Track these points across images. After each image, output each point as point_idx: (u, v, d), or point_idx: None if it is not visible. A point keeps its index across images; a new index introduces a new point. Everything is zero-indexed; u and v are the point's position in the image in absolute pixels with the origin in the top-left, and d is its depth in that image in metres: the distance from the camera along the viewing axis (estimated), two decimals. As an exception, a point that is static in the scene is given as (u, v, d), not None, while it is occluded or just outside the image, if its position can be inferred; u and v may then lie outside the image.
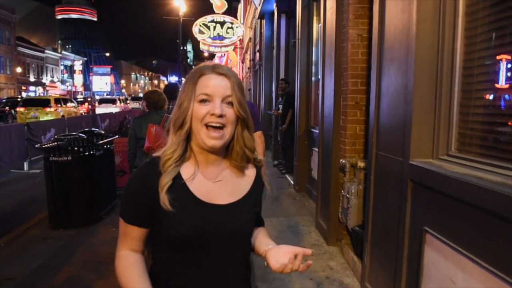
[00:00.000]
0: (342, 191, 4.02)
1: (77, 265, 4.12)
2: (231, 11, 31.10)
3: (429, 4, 2.44)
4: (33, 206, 6.18)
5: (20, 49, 50.38)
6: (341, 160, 4.07)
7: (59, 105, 22.27)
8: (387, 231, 2.88)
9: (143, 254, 1.30)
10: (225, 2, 23.35)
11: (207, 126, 1.18)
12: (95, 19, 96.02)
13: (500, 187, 1.75)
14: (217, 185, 1.26)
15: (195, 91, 1.19)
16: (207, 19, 23.17)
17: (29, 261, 4.22)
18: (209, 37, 23.13)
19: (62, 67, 65.08)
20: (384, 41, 2.96)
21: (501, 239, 1.73)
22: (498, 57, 2.13)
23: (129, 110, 26.39)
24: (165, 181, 1.17)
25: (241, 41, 25.82)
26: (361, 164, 3.81)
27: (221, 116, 1.17)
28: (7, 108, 24.44)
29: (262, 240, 1.34)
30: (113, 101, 32.33)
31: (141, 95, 62.37)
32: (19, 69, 49.03)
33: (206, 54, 36.56)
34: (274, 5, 10.29)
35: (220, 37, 23.18)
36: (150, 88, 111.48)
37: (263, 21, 12.96)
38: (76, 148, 5.18)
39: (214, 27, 23.02)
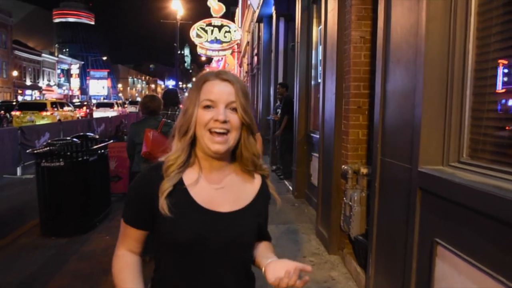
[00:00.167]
0: (344, 198, 3.87)
1: (68, 276, 3.95)
2: (229, 15, 31.06)
3: (439, 2, 2.32)
4: (24, 213, 6.00)
5: (17, 52, 50.10)
6: (343, 166, 3.93)
7: (56, 109, 22.07)
8: (394, 241, 2.73)
9: (145, 261, 1.32)
10: (223, 6, 23.29)
11: (210, 131, 1.18)
12: (92, 23, 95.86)
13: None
14: (220, 192, 1.25)
15: (199, 97, 1.20)
16: (205, 23, 23.09)
17: (18, 271, 4.04)
18: (207, 41, 23.04)
19: (59, 71, 64.80)
20: (390, 42, 2.83)
21: (524, 255, 1.60)
22: (515, 58, 2.01)
23: (126, 114, 26.22)
24: (166, 186, 1.18)
25: (238, 45, 25.75)
26: (364, 170, 3.68)
27: (225, 122, 1.17)
28: (2, 112, 24.21)
29: (264, 254, 1.31)
30: (110, 105, 32.35)
31: (138, 99, 62.21)
32: (15, 73, 48.73)
33: (203, 58, 36.47)
34: (273, 8, 10.19)
35: (218, 41, 23.09)
36: (147, 92, 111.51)
37: (261, 25, 12.86)
38: (68, 153, 5.02)
39: (212, 31, 22.94)
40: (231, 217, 1.23)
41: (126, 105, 38.49)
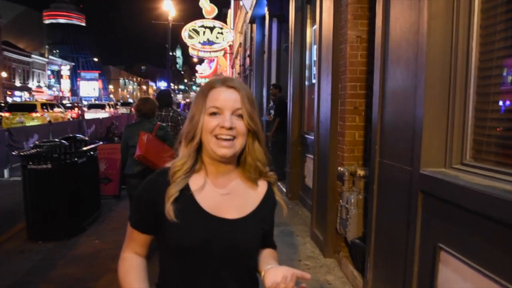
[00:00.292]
0: (341, 200, 3.79)
1: (55, 282, 3.81)
2: (221, 16, 30.98)
3: (441, 0, 2.24)
4: (11, 216, 5.81)
5: (6, 53, 49.49)
6: (339, 168, 3.84)
7: (46, 110, 21.84)
8: (394, 245, 2.65)
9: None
10: (215, 7, 23.21)
11: (217, 137, 1.19)
12: (83, 24, 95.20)
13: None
14: (226, 198, 1.25)
15: (205, 104, 1.21)
16: (197, 24, 22.97)
17: (3, 277, 3.90)
18: (199, 42, 22.93)
19: (49, 72, 64.14)
20: (389, 40, 2.75)
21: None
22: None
23: (118, 115, 26.03)
24: (172, 192, 1.19)
25: (231, 46, 25.67)
26: (360, 172, 3.60)
27: (231, 128, 1.18)
28: (-10, 113, 23.85)
29: (266, 260, 1.30)
30: (102, 107, 32.30)
31: (130, 100, 61.76)
32: (4, 74, 48.11)
33: (195, 59, 36.30)
34: (266, 8, 10.12)
35: (210, 42, 22.99)
36: (138, 94, 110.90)
37: (254, 26, 12.78)
38: (56, 156, 4.87)
39: (204, 32, 22.83)
40: (236, 223, 1.23)
41: (118, 107, 38.31)
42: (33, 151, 4.86)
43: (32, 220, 4.89)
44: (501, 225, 1.69)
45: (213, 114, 1.20)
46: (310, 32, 6.45)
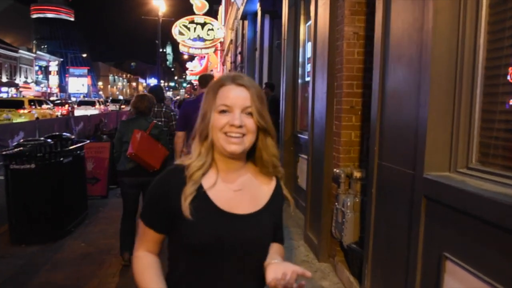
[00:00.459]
0: (336, 203, 3.66)
1: (38, 288, 3.64)
2: (212, 12, 30.69)
3: (447, -7, 2.11)
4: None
5: (-8, 48, 48.61)
6: (334, 169, 3.71)
7: (34, 107, 21.46)
8: (394, 253, 2.53)
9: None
10: (206, 3, 22.94)
11: (226, 134, 1.20)
12: (72, 19, 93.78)
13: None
14: (238, 194, 1.26)
15: (215, 102, 1.22)
16: (187, 20, 22.72)
17: (-18, 284, 3.71)
18: (189, 38, 22.70)
19: (36, 68, 63.01)
20: (390, 37, 2.62)
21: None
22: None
23: (107, 112, 25.73)
24: (190, 191, 1.19)
25: (222, 43, 25.44)
26: (357, 174, 3.47)
27: (240, 126, 1.19)
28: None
29: (271, 255, 1.29)
30: (92, 103, 32.04)
31: (121, 97, 61.19)
32: (-10, 69, 47.26)
33: (186, 56, 35.95)
34: (258, 5, 9.96)
35: (201, 39, 22.77)
36: (128, 91, 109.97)
37: (246, 22, 12.62)
38: (40, 155, 4.67)
39: (195, 29, 22.61)
40: (249, 218, 1.25)
41: (108, 103, 37.95)
42: (15, 150, 4.66)
43: (15, 222, 4.69)
44: (513, 235, 1.57)
45: (223, 112, 1.21)
46: (303, 28, 6.31)
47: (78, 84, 76.77)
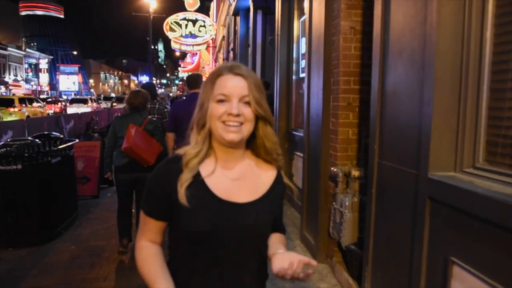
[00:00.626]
0: (334, 203, 3.56)
1: (25, 294, 3.50)
2: (203, 9, 30.47)
3: (452, -16, 2.01)
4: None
5: (-20, 46, 47.85)
6: (332, 168, 3.61)
7: (24, 105, 21.19)
8: (396, 255, 2.43)
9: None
10: (197, -1, 22.73)
11: (224, 123, 1.21)
12: (61, 16, 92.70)
13: None
14: (236, 182, 1.27)
15: (213, 91, 1.23)
16: (179, 17, 22.54)
17: (-33, 290, 3.57)
18: (181, 35, 22.52)
19: (26, 66, 62.21)
20: (390, 31, 2.52)
21: None
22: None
23: (99, 110, 25.49)
24: (186, 177, 1.20)
25: (213, 40, 25.25)
26: (355, 173, 3.37)
27: (238, 115, 1.20)
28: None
29: (274, 245, 1.30)
30: (84, 101, 31.89)
31: (113, 95, 60.73)
32: (-21, 67, 46.52)
33: (178, 53, 35.65)
34: (250, 0, 9.81)
35: (192, 36, 22.60)
36: (120, 88, 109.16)
37: (238, 18, 12.46)
38: (27, 155, 4.51)
39: (186, 25, 22.43)
40: (247, 207, 1.25)
41: (100, 101, 37.67)
42: (1, 150, 4.50)
43: (1, 225, 4.53)
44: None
45: (221, 101, 1.22)
46: (297, 24, 6.20)
47: (69, 82, 76.02)
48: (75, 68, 78.11)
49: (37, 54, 67.69)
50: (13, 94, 33.98)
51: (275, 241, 1.34)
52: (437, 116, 2.03)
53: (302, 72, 5.77)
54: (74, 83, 76.43)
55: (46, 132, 7.38)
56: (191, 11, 22.80)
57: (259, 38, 9.86)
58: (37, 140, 5.24)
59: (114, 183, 4.48)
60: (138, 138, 3.91)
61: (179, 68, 40.47)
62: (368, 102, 2.90)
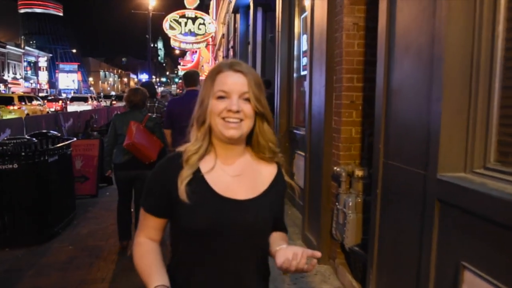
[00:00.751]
0: (337, 203, 3.48)
1: (21, 296, 3.43)
2: (203, 7, 30.33)
3: (462, -24, 1.92)
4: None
5: (-21, 44, 47.67)
6: (335, 168, 3.53)
7: (24, 103, 21.08)
8: (402, 259, 2.36)
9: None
10: (197, -4, 22.59)
11: (224, 119, 1.21)
12: (60, 14, 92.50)
13: None
14: (236, 179, 1.27)
15: (213, 88, 1.24)
16: (178, 15, 22.37)
17: (-39, 292, 3.49)
18: (180, 33, 22.37)
19: (25, 64, 62.04)
20: (396, 26, 2.43)
21: None
22: None
23: (99, 108, 25.41)
24: (186, 174, 1.21)
25: (213, 38, 25.14)
26: (359, 172, 3.29)
27: (238, 112, 1.20)
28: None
29: (277, 242, 1.29)
30: (85, 99, 31.92)
31: (113, 93, 60.67)
32: (-22, 65, 46.35)
33: (177, 51, 35.53)
34: (250, -3, 9.72)
35: (192, 34, 22.45)
36: (119, 86, 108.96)
37: (238, 16, 12.36)
38: (23, 154, 4.43)
39: (186, 23, 22.27)
40: (247, 204, 1.24)
41: (101, 99, 37.70)
42: (-3, 149, 4.42)
43: (-3, 225, 4.46)
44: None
45: (221, 97, 1.22)
46: (298, 21, 6.11)
47: (68, 80, 75.90)
48: (74, 66, 77.98)
49: (36, 52, 67.51)
50: (13, 92, 33.88)
51: (278, 239, 1.34)
52: (446, 114, 1.95)
53: (304, 69, 5.68)
54: (73, 81, 76.31)
55: (43, 131, 7.30)
56: (190, 8, 22.63)
57: (259, 36, 9.78)
58: (34, 138, 5.15)
59: (114, 180, 4.49)
60: (140, 135, 3.93)
61: (178, 66, 40.35)
62: (372, 100, 2.82)
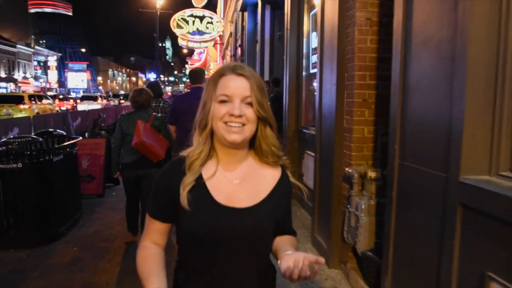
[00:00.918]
0: (348, 206, 3.35)
1: (24, 300, 3.35)
2: (211, 5, 30.26)
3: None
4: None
5: (-10, 43, 48.12)
6: (346, 169, 3.40)
7: (34, 102, 21.22)
8: (420, 266, 2.22)
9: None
10: (205, -5, 22.53)
11: (226, 123, 1.20)
12: (70, 13, 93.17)
13: None
14: (237, 186, 1.26)
15: (215, 92, 1.23)
16: (186, 13, 22.34)
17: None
18: (188, 32, 22.32)
19: (35, 63, 62.52)
20: (413, 19, 2.30)
21: None
22: None
23: (108, 107, 25.56)
24: (189, 180, 1.21)
25: (221, 36, 25.07)
26: (372, 174, 3.16)
27: (240, 116, 1.19)
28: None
29: (283, 247, 1.26)
30: (94, 98, 32.45)
31: (121, 92, 61.09)
32: (-12, 65, 46.80)
33: (185, 50, 35.50)
34: (258, -5, 9.60)
35: (200, 33, 22.39)
36: (128, 86, 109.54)
37: (245, 14, 12.26)
38: (28, 153, 4.36)
39: (193, 22, 22.22)
40: (247, 212, 1.23)
41: (110, 98, 38.19)
42: (1, 148, 4.35)
43: (2, 225, 4.39)
44: None
45: (223, 101, 1.21)
46: (307, 18, 5.98)
47: (77, 79, 76.45)
48: (83, 65, 78.50)
49: (46, 51, 68.04)
50: (23, 91, 34.22)
51: (285, 243, 1.31)
52: (469, 112, 1.82)
53: (313, 67, 5.55)
54: (82, 80, 76.84)
55: (50, 130, 7.25)
56: (198, 7, 22.58)
57: (268, 34, 9.67)
58: (39, 137, 5.09)
59: (121, 180, 4.51)
60: (147, 134, 3.98)
61: (186, 66, 40.36)
62: (385, 98, 2.70)
